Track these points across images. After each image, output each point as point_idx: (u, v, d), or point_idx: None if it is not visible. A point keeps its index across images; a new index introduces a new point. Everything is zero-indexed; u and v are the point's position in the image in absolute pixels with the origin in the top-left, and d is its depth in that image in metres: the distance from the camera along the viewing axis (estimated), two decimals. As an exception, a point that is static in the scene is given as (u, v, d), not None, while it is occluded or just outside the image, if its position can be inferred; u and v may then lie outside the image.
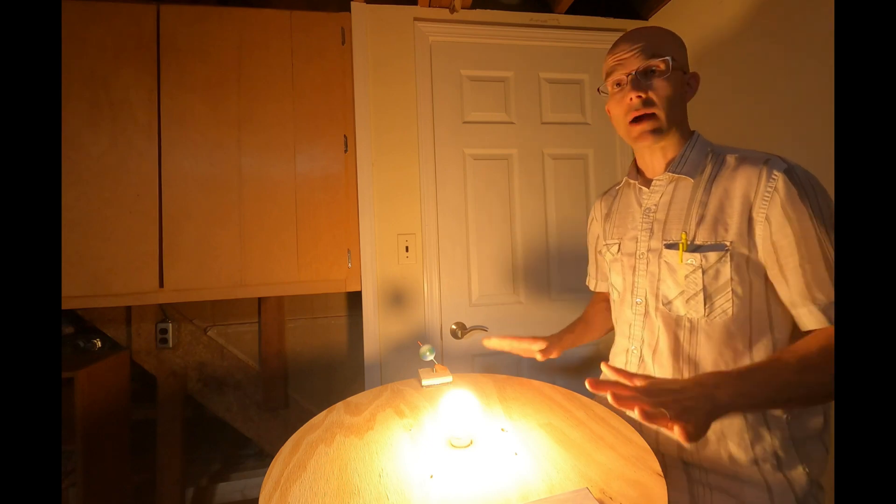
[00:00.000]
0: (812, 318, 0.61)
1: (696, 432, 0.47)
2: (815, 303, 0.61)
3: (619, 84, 0.73)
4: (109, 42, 1.26)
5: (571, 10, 1.55)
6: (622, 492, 0.53)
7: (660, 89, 0.70)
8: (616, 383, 0.52)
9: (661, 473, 0.57)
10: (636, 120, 0.72)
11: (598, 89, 0.80)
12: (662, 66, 0.69)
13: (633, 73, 0.70)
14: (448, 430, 0.68)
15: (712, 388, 0.52)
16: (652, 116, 0.71)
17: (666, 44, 0.71)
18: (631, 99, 0.71)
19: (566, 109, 1.56)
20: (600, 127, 1.58)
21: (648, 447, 0.64)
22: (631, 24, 1.59)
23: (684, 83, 0.73)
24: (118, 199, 1.25)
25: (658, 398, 0.49)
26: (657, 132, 0.71)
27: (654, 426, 0.46)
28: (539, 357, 0.88)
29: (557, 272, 1.53)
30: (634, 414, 0.46)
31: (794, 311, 0.64)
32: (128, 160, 1.26)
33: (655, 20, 1.56)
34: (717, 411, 0.50)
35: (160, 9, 1.29)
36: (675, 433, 0.46)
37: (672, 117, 0.72)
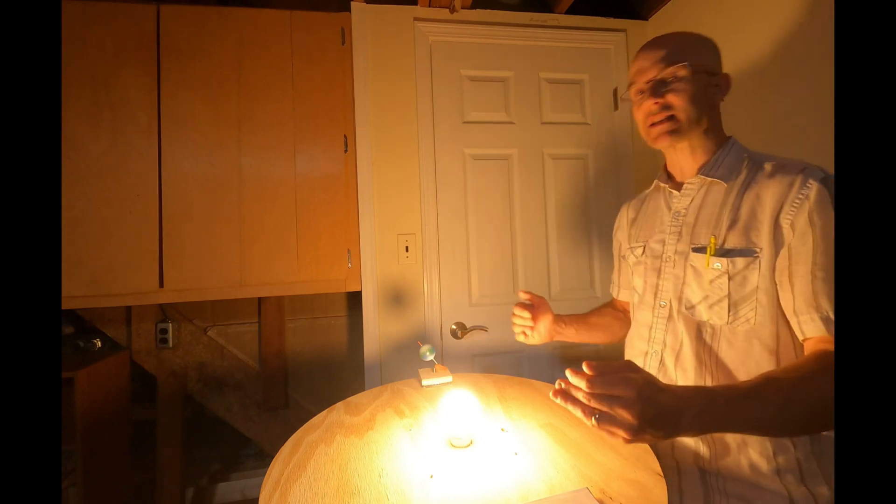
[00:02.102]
0: (812, 325, 0.60)
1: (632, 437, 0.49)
2: (818, 311, 0.59)
3: (641, 92, 0.75)
4: (109, 42, 1.25)
5: (571, 10, 1.55)
6: (622, 492, 0.53)
7: (679, 93, 0.71)
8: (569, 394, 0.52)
9: (661, 473, 0.57)
10: (655, 123, 0.73)
11: (621, 97, 0.82)
12: (681, 73, 0.70)
13: (652, 80, 0.72)
14: (448, 430, 0.68)
15: (695, 411, 0.50)
16: (670, 119, 0.72)
17: (686, 49, 0.72)
18: (650, 105, 0.73)
19: (566, 109, 1.56)
20: (600, 127, 1.58)
21: (648, 447, 0.64)
22: (631, 24, 1.59)
23: (710, 85, 0.72)
24: (118, 199, 1.25)
25: (601, 401, 0.49)
26: (674, 133, 0.72)
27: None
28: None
29: (557, 272, 1.53)
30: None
31: (795, 320, 0.62)
32: (128, 160, 1.26)
33: (655, 20, 1.56)
34: (681, 433, 0.50)
35: (160, 9, 1.28)
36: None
37: (694, 118, 0.72)
